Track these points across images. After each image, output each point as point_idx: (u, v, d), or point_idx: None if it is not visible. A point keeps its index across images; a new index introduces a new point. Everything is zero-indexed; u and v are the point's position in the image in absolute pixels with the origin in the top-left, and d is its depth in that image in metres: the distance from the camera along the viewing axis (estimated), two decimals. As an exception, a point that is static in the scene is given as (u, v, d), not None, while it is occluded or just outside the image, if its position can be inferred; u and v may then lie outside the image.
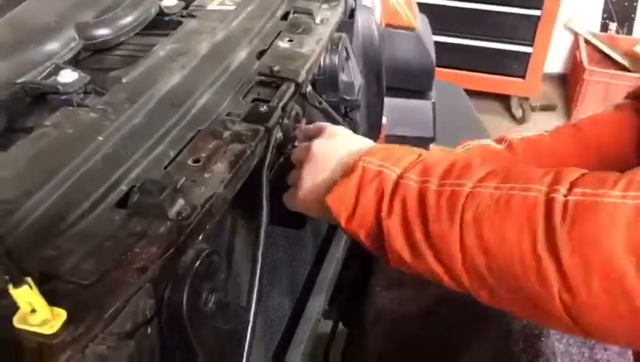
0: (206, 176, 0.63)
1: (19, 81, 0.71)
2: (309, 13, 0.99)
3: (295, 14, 1.00)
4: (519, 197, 0.53)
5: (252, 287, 0.66)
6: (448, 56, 2.84)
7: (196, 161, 0.65)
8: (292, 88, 0.80)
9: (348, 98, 1.06)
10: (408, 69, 1.73)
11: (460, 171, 0.59)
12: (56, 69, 0.72)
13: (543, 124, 3.07)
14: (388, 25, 1.69)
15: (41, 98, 0.72)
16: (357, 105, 1.09)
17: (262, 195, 0.71)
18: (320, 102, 0.92)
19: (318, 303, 1.10)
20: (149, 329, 0.50)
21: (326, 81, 1.01)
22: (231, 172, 0.64)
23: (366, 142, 0.71)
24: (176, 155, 0.65)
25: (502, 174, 0.57)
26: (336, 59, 1.00)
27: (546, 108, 3.22)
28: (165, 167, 0.64)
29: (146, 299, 0.49)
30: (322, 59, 0.99)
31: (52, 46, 0.75)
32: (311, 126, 0.76)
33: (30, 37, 0.74)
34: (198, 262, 0.57)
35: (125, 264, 0.51)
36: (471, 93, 3.06)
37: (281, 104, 0.75)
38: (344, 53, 1.05)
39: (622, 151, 0.83)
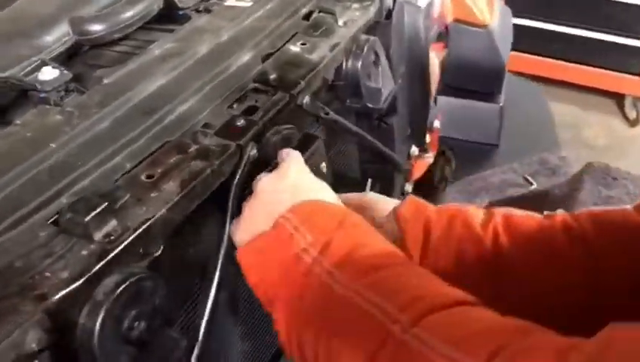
0: (152, 195, 0.60)
1: (2, 75, 0.70)
2: (332, 14, 0.92)
3: (319, 14, 0.94)
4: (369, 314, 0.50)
5: (201, 317, 0.63)
6: (557, 46, 2.61)
7: (150, 176, 0.62)
8: (284, 100, 0.75)
9: (372, 106, 0.99)
10: (475, 68, 1.60)
11: (351, 264, 0.55)
12: (41, 65, 0.71)
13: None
14: (457, 20, 1.58)
15: (24, 94, 0.72)
16: (381, 112, 1.02)
17: (226, 216, 0.67)
18: (327, 113, 0.85)
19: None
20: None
21: (347, 86, 0.95)
22: (181, 193, 0.60)
23: (312, 191, 0.63)
24: (132, 168, 0.63)
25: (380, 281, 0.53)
26: (358, 64, 0.93)
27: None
28: (116, 181, 0.61)
29: (36, 331, 0.47)
30: (344, 63, 0.92)
31: (43, 40, 0.74)
32: (283, 152, 0.70)
33: (22, 30, 0.74)
34: (121, 288, 0.54)
35: (26, 289, 0.49)
36: (580, 88, 2.86)
37: (264, 118, 0.70)
38: (372, 58, 0.98)
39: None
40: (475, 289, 0.61)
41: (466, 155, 1.68)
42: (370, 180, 0.92)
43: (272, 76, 0.77)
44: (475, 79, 1.63)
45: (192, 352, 0.63)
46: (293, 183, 0.63)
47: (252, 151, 0.69)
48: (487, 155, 1.65)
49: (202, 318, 0.65)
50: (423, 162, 1.49)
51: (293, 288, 0.56)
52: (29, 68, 0.72)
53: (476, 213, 0.70)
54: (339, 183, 1.15)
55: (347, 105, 0.99)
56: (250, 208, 0.64)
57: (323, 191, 0.64)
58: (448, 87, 1.68)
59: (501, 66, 1.62)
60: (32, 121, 0.66)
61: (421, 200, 0.75)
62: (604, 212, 0.66)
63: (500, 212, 0.70)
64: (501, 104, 1.65)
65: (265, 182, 0.64)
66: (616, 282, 0.61)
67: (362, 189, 1.25)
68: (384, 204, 0.78)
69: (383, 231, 0.70)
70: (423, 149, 1.43)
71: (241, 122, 0.69)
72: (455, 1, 1.56)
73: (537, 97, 1.90)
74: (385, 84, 1.02)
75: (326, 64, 0.83)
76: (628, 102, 2.87)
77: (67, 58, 0.77)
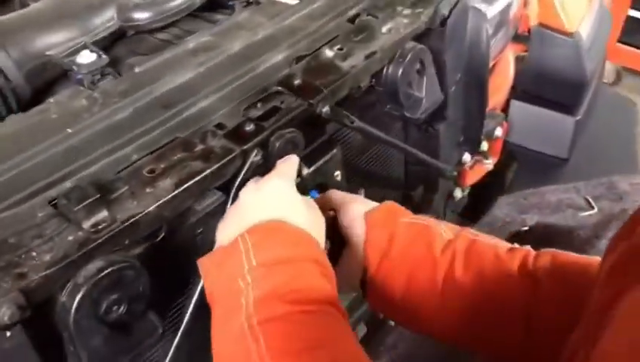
0: (147, 190, 0.64)
1: (47, 53, 0.77)
2: (376, 17, 0.91)
3: (365, 17, 0.93)
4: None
5: (185, 307, 0.67)
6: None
7: (151, 171, 0.66)
8: (302, 107, 0.76)
9: (409, 115, 0.98)
10: (555, 77, 1.51)
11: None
12: (82, 47, 0.76)
13: None
14: (541, 24, 1.49)
15: (65, 72, 0.78)
16: (419, 122, 1.00)
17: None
18: (352, 122, 0.85)
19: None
20: (8, 334, 0.53)
21: (386, 93, 0.94)
22: (174, 192, 0.64)
23: (281, 209, 0.64)
24: (136, 161, 0.67)
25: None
26: (398, 72, 0.92)
27: None
28: (119, 172, 0.66)
29: (9, 306, 0.52)
30: (385, 69, 0.92)
31: (89, 23, 0.79)
32: (282, 159, 0.71)
33: (71, 12, 0.79)
34: (102, 274, 0.59)
35: (10, 266, 0.55)
36: None
37: (275, 125, 0.72)
38: (416, 66, 0.96)
39: None
40: (420, 306, 0.68)
41: (531, 166, 1.61)
42: (362, 190, 0.91)
43: (297, 81, 0.78)
44: (554, 88, 1.54)
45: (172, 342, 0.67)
46: (267, 197, 0.65)
47: (256, 158, 0.71)
48: (554, 170, 1.57)
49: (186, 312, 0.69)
50: (480, 168, 1.45)
51: (222, 307, 0.59)
52: (72, 49, 0.77)
53: (443, 234, 0.71)
54: (381, 184, 1.16)
55: (387, 110, 0.99)
56: (228, 215, 0.66)
57: (294, 209, 0.65)
58: (524, 93, 1.60)
59: (584, 78, 1.51)
60: (61, 102, 0.71)
61: (397, 208, 0.76)
62: (567, 259, 0.66)
63: (467, 236, 0.71)
64: (579, 117, 1.55)
65: (245, 191, 0.66)
66: (551, 331, 0.61)
67: (405, 191, 1.25)
68: (359, 205, 0.77)
69: (350, 232, 0.74)
70: (483, 155, 1.39)
71: (250, 127, 0.71)
72: (542, 4, 1.47)
73: (629, 116, 1.77)
74: (428, 93, 1.00)
75: (356, 73, 0.83)
76: None
77: (111, 42, 0.82)
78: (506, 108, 1.59)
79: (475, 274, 0.65)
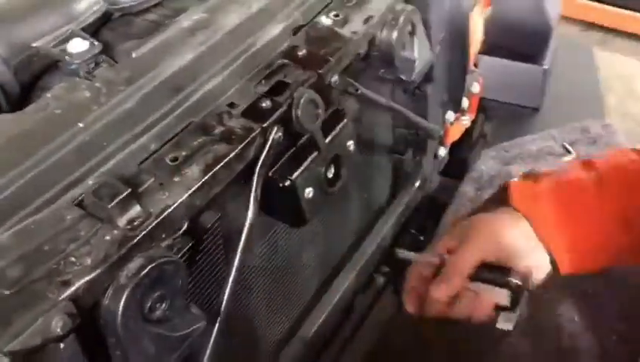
0: (175, 179, 0.61)
1: (34, 45, 0.71)
2: (368, -19, 0.89)
3: (354, -19, 0.90)
4: None
5: (221, 300, 0.65)
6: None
7: (174, 159, 0.63)
8: (313, 79, 0.74)
9: (404, 78, 0.97)
10: (519, 28, 1.53)
11: None
12: (71, 35, 0.71)
13: None
14: (503, -23, 1.50)
15: (55, 63, 0.73)
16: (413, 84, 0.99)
17: (250, 198, 0.68)
18: (357, 90, 0.84)
19: (347, 281, 1.07)
20: (62, 345, 0.50)
21: (380, 57, 0.92)
22: (202, 178, 0.61)
23: None
24: (156, 150, 0.63)
25: None
26: (393, 36, 0.90)
27: None
28: (140, 163, 0.62)
29: (60, 316, 0.49)
30: (378, 33, 0.90)
31: (72, 9, 0.74)
32: None
33: (52, -1, 0.74)
34: (144, 272, 0.56)
35: (52, 274, 0.51)
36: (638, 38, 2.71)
37: (288, 100, 0.70)
38: (408, 28, 0.95)
39: None
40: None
41: (505, 118, 1.64)
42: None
43: (301, 52, 0.76)
44: (519, 39, 1.56)
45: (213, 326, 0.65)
46: None
47: (277, 135, 0.69)
48: (527, 119, 1.61)
49: (223, 298, 0.67)
50: (459, 125, 1.46)
51: None
52: (60, 38, 0.72)
53: (578, 175, 0.75)
54: (373, 152, 1.16)
55: (380, 75, 0.97)
56: None
57: None
58: (491, 47, 1.62)
59: (547, 27, 1.54)
60: (61, 96, 0.66)
61: (523, 183, 0.78)
62: None
63: (596, 162, 0.75)
64: (546, 67, 1.59)
65: None
66: None
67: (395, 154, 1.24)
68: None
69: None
70: (461, 113, 1.41)
71: (266, 103, 0.69)
72: (503, -44, 1.47)
73: (588, 61, 1.82)
74: (420, 54, 0.99)
75: (358, 40, 0.81)
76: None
77: (98, 27, 0.77)
78: (476, 65, 1.61)
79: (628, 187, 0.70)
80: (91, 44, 0.71)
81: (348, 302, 1.09)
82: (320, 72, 0.74)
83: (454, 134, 1.45)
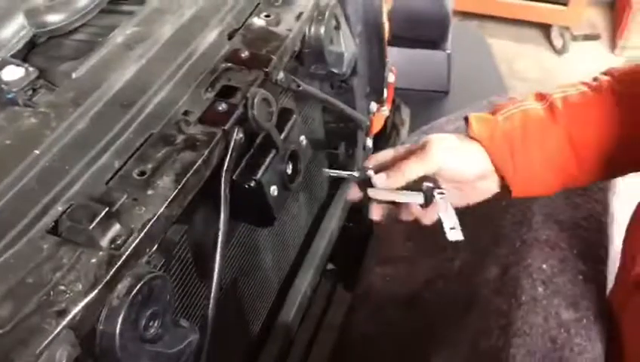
0: (149, 193, 0.59)
1: (-38, 78, 0.66)
2: (290, -19, 0.90)
3: (277, -18, 0.92)
4: None
5: (205, 311, 0.64)
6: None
7: (142, 173, 0.61)
8: (260, 78, 0.74)
9: (336, 71, 0.99)
10: (421, 17, 1.61)
11: None
12: (3, 64, 0.67)
13: (584, 54, 2.91)
14: (399, -30, 1.57)
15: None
16: (345, 76, 1.02)
17: (220, 203, 0.67)
18: (298, 86, 0.85)
19: (306, 278, 1.08)
20: (68, 377, 0.47)
21: (312, 53, 0.94)
22: (177, 188, 0.60)
23: None
24: (121, 167, 0.61)
25: None
26: (322, 31, 0.92)
27: (589, 37, 3.02)
28: (107, 182, 0.60)
29: (63, 347, 0.47)
30: (307, 30, 0.92)
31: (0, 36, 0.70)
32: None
33: (-25, 27, 0.69)
34: (135, 290, 0.54)
35: (44, 306, 0.48)
36: (510, 22, 2.94)
37: (243, 102, 0.70)
38: (333, 23, 0.97)
39: None
40: (561, 171, 0.77)
41: (418, 105, 1.71)
42: None
43: (244, 54, 0.76)
44: (422, 28, 1.64)
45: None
46: None
47: (238, 136, 0.68)
48: (438, 103, 1.69)
49: (208, 304, 0.66)
50: (380, 116, 1.51)
51: None
52: (-10, 68, 0.68)
53: (536, 106, 0.79)
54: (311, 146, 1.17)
55: (311, 71, 0.99)
56: None
57: None
58: (395, 38, 1.69)
59: (446, 13, 1.64)
60: (5, 127, 0.63)
61: (481, 115, 0.81)
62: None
63: (553, 98, 0.79)
64: (448, 51, 1.68)
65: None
66: None
67: (329, 150, 1.27)
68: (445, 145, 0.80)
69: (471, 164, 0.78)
70: (381, 103, 1.45)
71: (222, 107, 0.69)
72: (396, -49, 1.55)
73: (480, 43, 1.94)
74: (347, 48, 1.02)
75: (294, 36, 0.82)
76: (554, 32, 2.98)
77: (30, 49, 0.73)
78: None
79: (584, 124, 0.76)
80: (26, 70, 0.67)
81: (309, 298, 1.10)
82: (266, 70, 0.75)
83: (377, 125, 1.50)
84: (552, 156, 0.77)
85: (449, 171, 0.77)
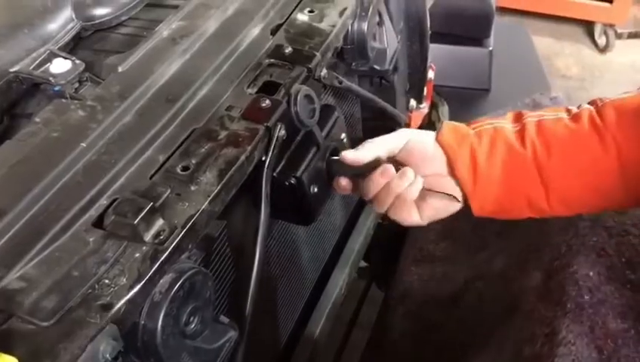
0: (192, 188, 0.59)
1: (12, 70, 0.68)
2: (335, -24, 0.89)
3: (319, -23, 0.91)
4: None
5: (243, 307, 0.64)
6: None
7: (185, 168, 0.61)
8: (303, 75, 0.74)
9: (378, 68, 0.98)
10: (463, 14, 1.58)
11: None
12: (50, 56, 0.68)
13: (627, 53, 2.82)
14: (443, -35, 1.54)
15: (36, 86, 0.69)
16: (387, 73, 1.01)
17: (261, 199, 0.67)
18: (340, 82, 0.84)
19: (342, 275, 1.07)
20: (112, 371, 0.48)
21: (354, 50, 0.93)
22: (219, 183, 0.60)
23: None
24: (165, 161, 0.61)
25: None
26: (365, 27, 0.91)
27: (634, 35, 2.94)
28: (151, 176, 0.60)
29: (107, 341, 0.47)
30: (350, 26, 0.90)
31: (47, 29, 0.71)
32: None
33: (24, 20, 0.70)
34: (177, 286, 0.54)
35: (89, 300, 0.49)
36: (549, 18, 2.88)
37: (285, 98, 0.69)
38: (376, 19, 0.96)
39: None
40: (525, 195, 0.73)
41: (458, 102, 1.68)
42: None
43: (287, 50, 0.76)
44: (464, 25, 1.61)
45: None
46: None
47: (280, 132, 0.68)
48: (479, 101, 1.66)
49: (246, 300, 0.66)
50: (419, 113, 1.49)
51: None
52: (39, 60, 0.69)
53: (509, 127, 0.75)
54: (349, 144, 1.16)
55: (353, 67, 0.98)
56: None
57: None
58: (436, 34, 1.66)
59: (489, 10, 1.60)
60: (53, 119, 0.63)
61: (456, 124, 0.77)
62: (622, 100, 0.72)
63: (529, 122, 0.74)
64: (490, 48, 1.64)
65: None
66: None
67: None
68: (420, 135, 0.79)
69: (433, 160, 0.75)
70: (420, 101, 1.43)
71: (265, 103, 0.68)
72: (441, -55, 1.52)
73: (524, 39, 1.90)
74: (389, 43, 1.01)
75: (337, 32, 0.81)
76: (597, 30, 2.90)
77: (76, 43, 0.74)
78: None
79: (560, 153, 0.71)
80: (73, 62, 0.68)
81: (344, 296, 1.10)
82: (309, 67, 0.74)
83: (416, 122, 1.49)
84: (514, 179, 0.73)
85: (413, 149, 0.76)
